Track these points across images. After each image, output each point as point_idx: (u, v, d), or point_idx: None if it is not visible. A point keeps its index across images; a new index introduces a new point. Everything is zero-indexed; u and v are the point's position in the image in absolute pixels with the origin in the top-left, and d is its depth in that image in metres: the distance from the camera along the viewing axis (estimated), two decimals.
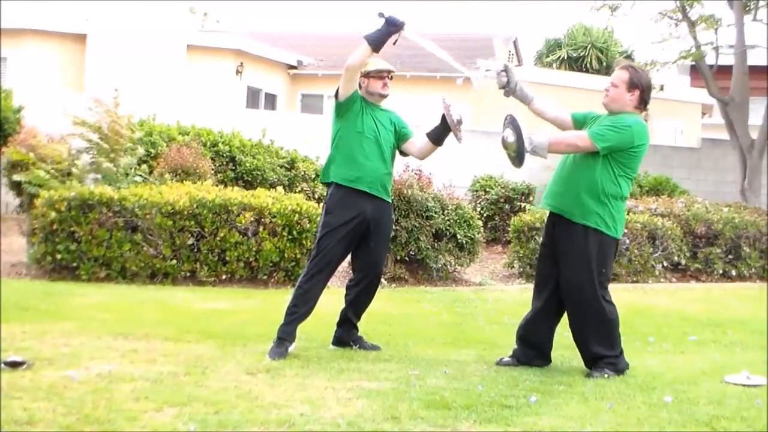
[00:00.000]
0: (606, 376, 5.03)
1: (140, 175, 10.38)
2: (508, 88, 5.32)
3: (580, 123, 5.31)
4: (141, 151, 10.41)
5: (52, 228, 8.75)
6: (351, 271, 5.92)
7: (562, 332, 5.43)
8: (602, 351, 5.12)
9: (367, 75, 5.56)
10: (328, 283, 5.66)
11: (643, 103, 5.19)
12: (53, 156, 10.17)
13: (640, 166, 5.36)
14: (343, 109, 5.56)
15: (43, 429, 3.62)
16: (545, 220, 5.50)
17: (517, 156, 5.06)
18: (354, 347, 5.67)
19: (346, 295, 5.76)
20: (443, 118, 5.51)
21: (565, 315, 5.30)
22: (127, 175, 10.13)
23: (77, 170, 9.96)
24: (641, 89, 5.15)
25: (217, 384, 4.49)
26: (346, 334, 5.77)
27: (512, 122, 5.08)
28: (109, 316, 6.63)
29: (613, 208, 5.11)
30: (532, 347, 5.35)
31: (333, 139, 5.66)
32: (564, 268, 5.14)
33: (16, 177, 10.33)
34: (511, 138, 5.04)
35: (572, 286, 5.11)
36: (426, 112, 18.87)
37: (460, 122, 5.46)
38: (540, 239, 10.30)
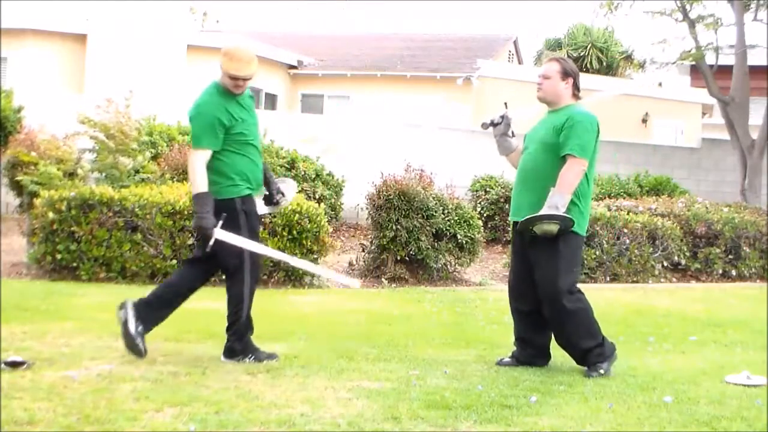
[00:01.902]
0: (602, 371, 5.04)
1: (144, 175, 10.33)
2: (504, 135, 5.48)
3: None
4: (140, 159, 10.34)
5: (52, 228, 8.75)
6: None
7: None
8: (588, 343, 5.14)
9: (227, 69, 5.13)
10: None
11: (577, 89, 5.29)
12: (58, 155, 10.16)
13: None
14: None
15: (43, 429, 3.62)
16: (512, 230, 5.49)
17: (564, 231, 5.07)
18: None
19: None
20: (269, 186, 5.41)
21: None
22: (129, 175, 10.12)
23: (82, 171, 9.97)
24: (574, 76, 5.26)
25: (217, 384, 4.49)
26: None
27: (546, 217, 4.99)
28: (109, 317, 6.60)
29: (581, 206, 5.15)
30: (532, 347, 5.35)
31: None
32: (541, 275, 5.14)
33: (20, 177, 10.32)
34: (554, 227, 5.00)
35: (551, 291, 5.11)
36: (426, 112, 18.93)
37: None
38: None
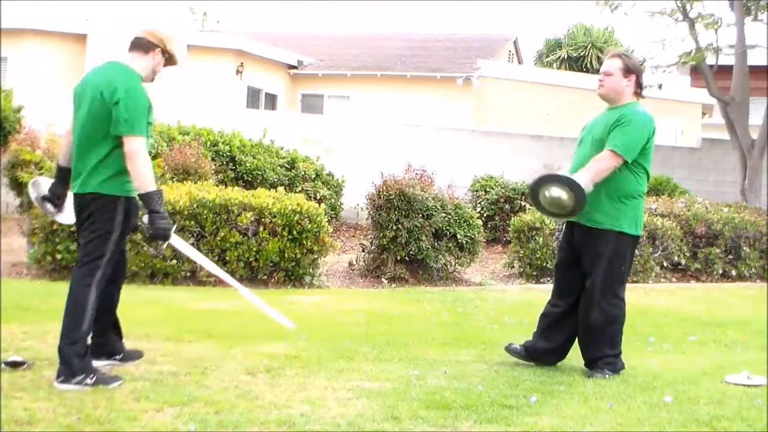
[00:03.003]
0: (606, 376, 5.04)
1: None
2: None
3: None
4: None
5: (52, 228, 8.75)
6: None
7: None
8: (605, 350, 5.13)
9: (164, 50, 4.78)
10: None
11: (640, 87, 5.18)
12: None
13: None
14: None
15: (43, 429, 3.63)
16: (563, 226, 5.44)
17: (575, 210, 4.97)
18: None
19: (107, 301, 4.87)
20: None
21: None
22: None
23: None
24: (637, 74, 5.15)
25: (217, 384, 4.49)
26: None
27: (558, 178, 4.94)
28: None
29: (632, 206, 5.09)
30: (549, 343, 5.31)
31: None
32: (589, 273, 5.11)
33: (20, 176, 10.32)
34: (564, 194, 4.91)
35: (595, 289, 5.08)
36: (426, 112, 18.93)
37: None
38: (540, 239, 10.44)
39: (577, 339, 5.28)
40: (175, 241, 4.74)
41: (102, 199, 4.57)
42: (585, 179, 4.91)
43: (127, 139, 4.50)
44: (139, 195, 4.57)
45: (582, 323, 5.20)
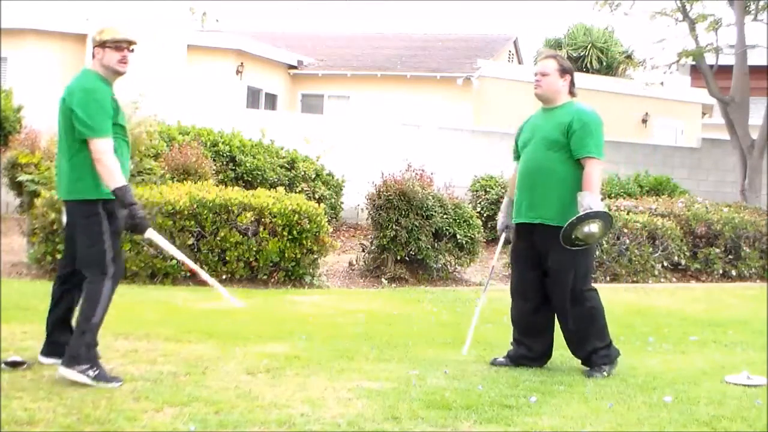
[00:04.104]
0: (605, 374, 5.04)
1: (148, 170, 10.29)
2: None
3: (519, 154, 5.40)
4: (145, 163, 10.29)
5: (53, 228, 8.75)
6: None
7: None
8: (596, 344, 5.16)
9: (102, 45, 4.73)
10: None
11: (573, 86, 5.33)
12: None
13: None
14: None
15: (43, 429, 3.63)
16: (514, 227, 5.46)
17: (602, 237, 5.20)
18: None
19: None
20: None
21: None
22: (133, 176, 10.11)
23: None
24: (571, 73, 5.30)
25: (217, 384, 4.49)
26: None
27: (589, 215, 5.01)
28: (109, 316, 6.61)
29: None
30: (529, 349, 5.32)
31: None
32: (554, 273, 5.15)
33: (21, 177, 10.32)
34: (595, 227, 5.04)
35: (565, 288, 5.13)
36: (426, 112, 18.92)
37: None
38: None
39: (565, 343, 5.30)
40: (151, 233, 4.70)
41: (83, 204, 4.62)
42: (595, 200, 5.04)
43: (90, 141, 4.54)
44: (111, 192, 4.56)
45: (564, 328, 5.23)
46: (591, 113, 5.21)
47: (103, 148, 4.52)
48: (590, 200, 5.01)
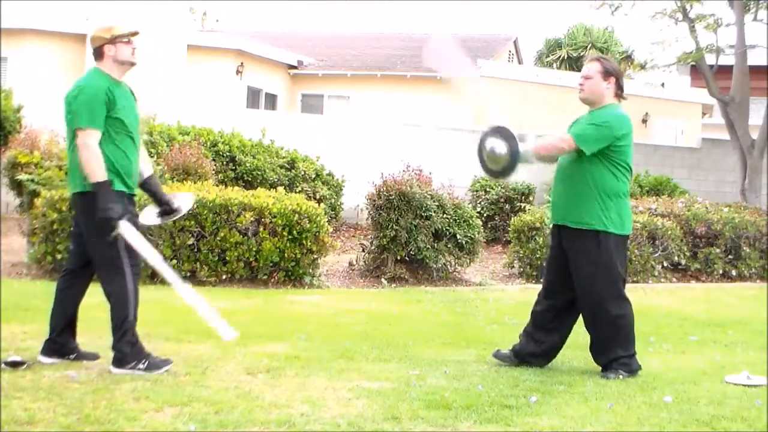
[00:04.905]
0: (620, 377, 5.00)
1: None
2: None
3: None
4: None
5: (53, 228, 8.75)
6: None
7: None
8: (619, 352, 5.10)
9: (113, 41, 4.79)
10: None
11: (620, 89, 5.24)
12: (60, 154, 10.18)
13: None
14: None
15: (43, 429, 3.63)
16: (550, 228, 5.45)
17: (509, 168, 5.05)
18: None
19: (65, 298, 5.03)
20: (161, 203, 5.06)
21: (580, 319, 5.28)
22: None
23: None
24: (616, 76, 5.20)
25: (217, 384, 4.49)
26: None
27: (500, 131, 5.01)
28: (109, 316, 6.62)
29: (615, 205, 5.10)
30: (537, 345, 5.29)
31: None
32: (579, 276, 5.10)
33: (21, 177, 10.32)
34: (501, 149, 4.98)
35: (590, 293, 5.09)
36: (426, 112, 18.92)
37: None
38: (540, 239, 10.43)
39: (589, 347, 5.27)
40: (125, 229, 4.66)
41: (84, 196, 4.70)
42: (528, 145, 5.02)
43: (77, 132, 4.63)
44: (90, 185, 4.60)
45: (591, 331, 5.18)
46: (613, 113, 5.12)
47: (84, 139, 4.60)
48: (527, 144, 5.02)
